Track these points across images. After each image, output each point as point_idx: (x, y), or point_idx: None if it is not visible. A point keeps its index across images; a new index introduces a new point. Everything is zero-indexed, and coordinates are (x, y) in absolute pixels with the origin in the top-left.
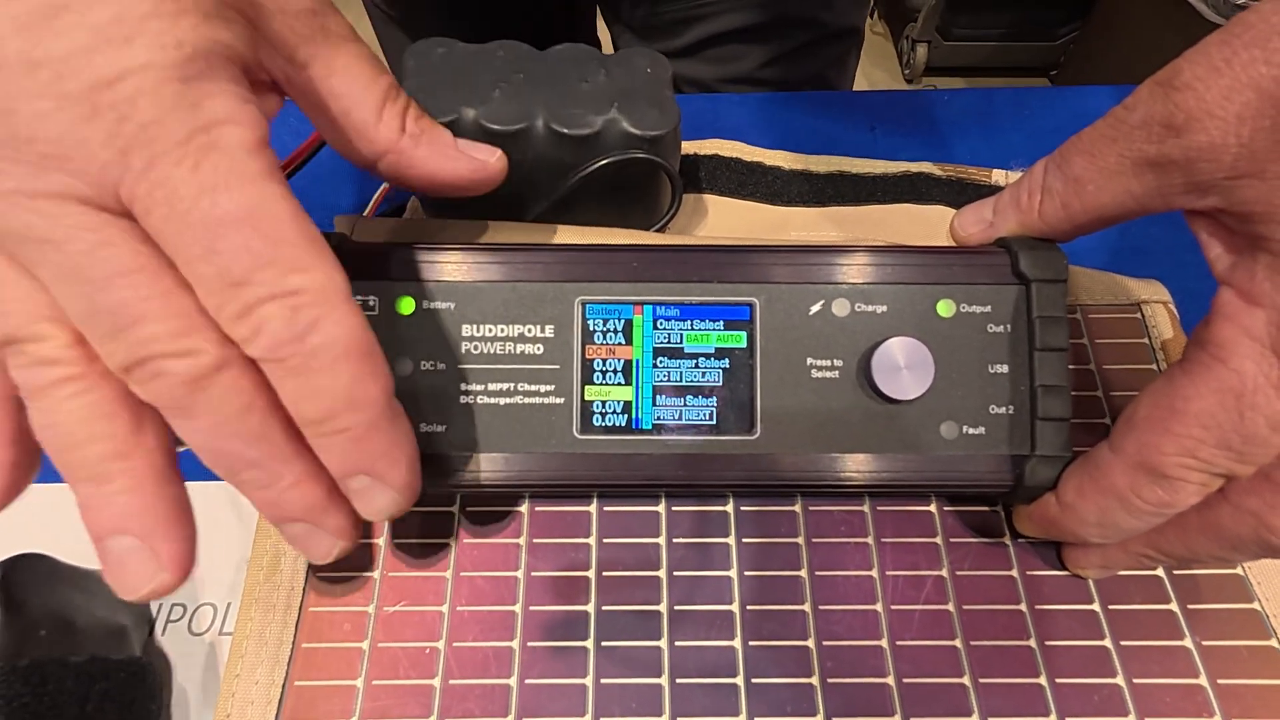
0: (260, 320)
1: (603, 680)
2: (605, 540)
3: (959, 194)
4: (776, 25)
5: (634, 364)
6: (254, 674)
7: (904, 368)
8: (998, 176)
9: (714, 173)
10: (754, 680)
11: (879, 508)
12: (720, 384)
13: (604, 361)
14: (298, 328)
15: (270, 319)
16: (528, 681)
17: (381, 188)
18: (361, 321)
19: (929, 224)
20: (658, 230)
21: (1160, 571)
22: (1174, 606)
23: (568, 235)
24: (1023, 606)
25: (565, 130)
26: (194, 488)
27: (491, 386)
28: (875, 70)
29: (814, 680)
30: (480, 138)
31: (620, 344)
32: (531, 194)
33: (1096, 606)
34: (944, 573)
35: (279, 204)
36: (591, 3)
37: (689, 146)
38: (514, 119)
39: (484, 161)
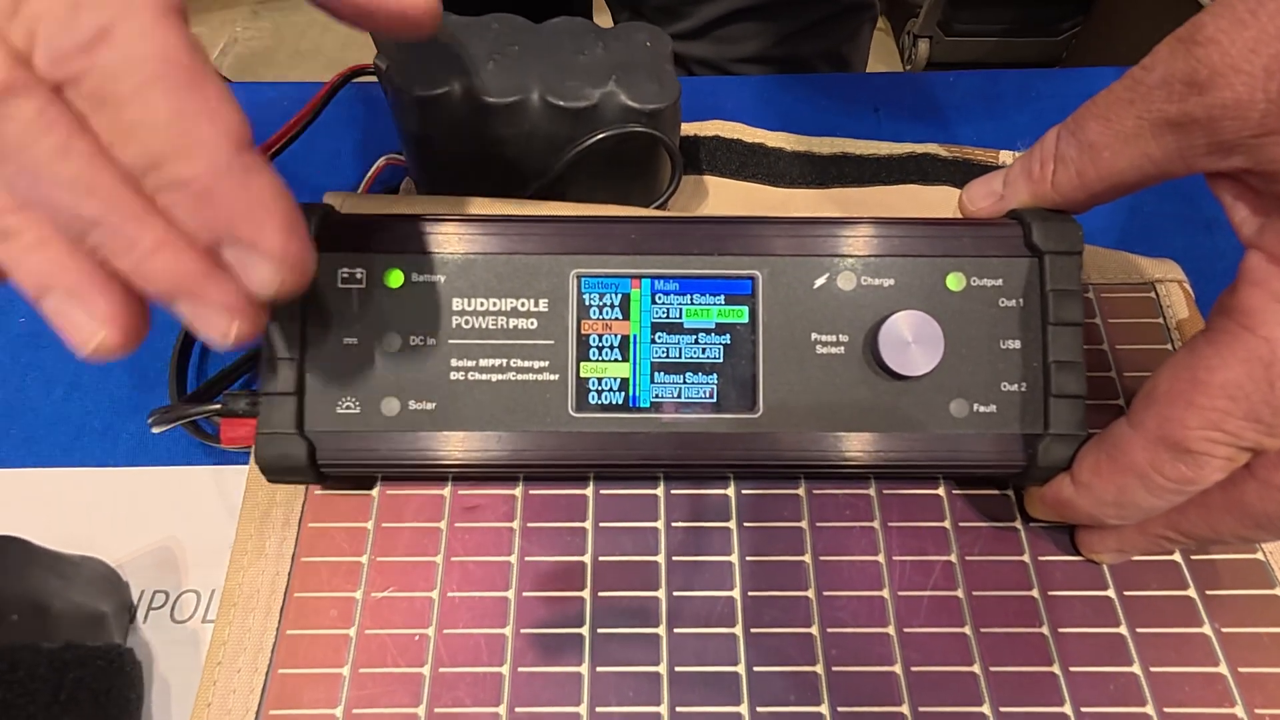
0: (32, 19)
1: (599, 669)
2: (602, 524)
3: (965, 174)
4: (787, 3)
5: (631, 340)
6: (236, 662)
7: (912, 343)
8: (1005, 157)
9: (714, 154)
10: (756, 669)
11: (885, 491)
12: (721, 360)
13: (600, 337)
14: (80, 33)
15: (42, 17)
16: (520, 670)
17: (374, 167)
18: (184, 41)
19: (933, 207)
20: (657, 209)
21: (1177, 556)
22: (1192, 592)
23: (564, 210)
24: (1035, 593)
25: (562, 103)
26: (176, 472)
27: (483, 362)
28: (877, 65)
29: (818, 669)
30: (474, 110)
31: (617, 319)
32: (527, 169)
33: (1111, 592)
34: (953, 558)
35: (182, 52)
36: None
37: (689, 128)
38: (508, 91)
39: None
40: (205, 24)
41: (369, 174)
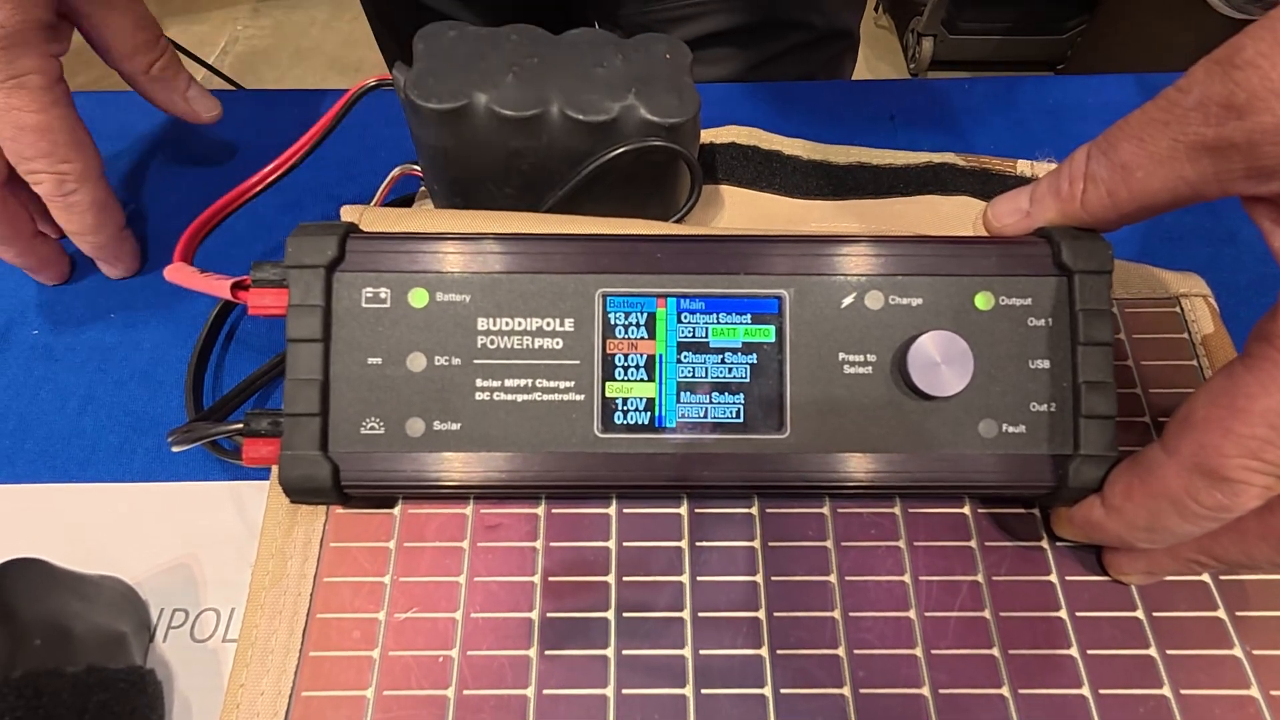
0: (39, 180)
1: (624, 691)
2: (625, 544)
3: (983, 185)
4: (765, 27)
5: (657, 359)
6: (259, 684)
7: (941, 363)
8: (1022, 167)
9: (731, 163)
10: (782, 691)
11: (910, 510)
12: (748, 380)
13: (626, 357)
14: (63, 190)
15: (45, 182)
16: (545, 692)
17: (389, 177)
18: (103, 190)
19: (952, 217)
20: (675, 222)
21: (1206, 577)
22: (1222, 613)
23: (585, 226)
24: (1063, 613)
25: (580, 117)
26: (193, 488)
27: (508, 382)
28: (880, 64)
29: (845, 691)
30: (492, 123)
31: (643, 338)
32: (545, 183)
33: (1140, 613)
34: (980, 578)
35: (61, 121)
36: (583, 4)
37: (704, 135)
38: (527, 105)
39: (198, 113)
40: (206, 22)
41: (384, 185)
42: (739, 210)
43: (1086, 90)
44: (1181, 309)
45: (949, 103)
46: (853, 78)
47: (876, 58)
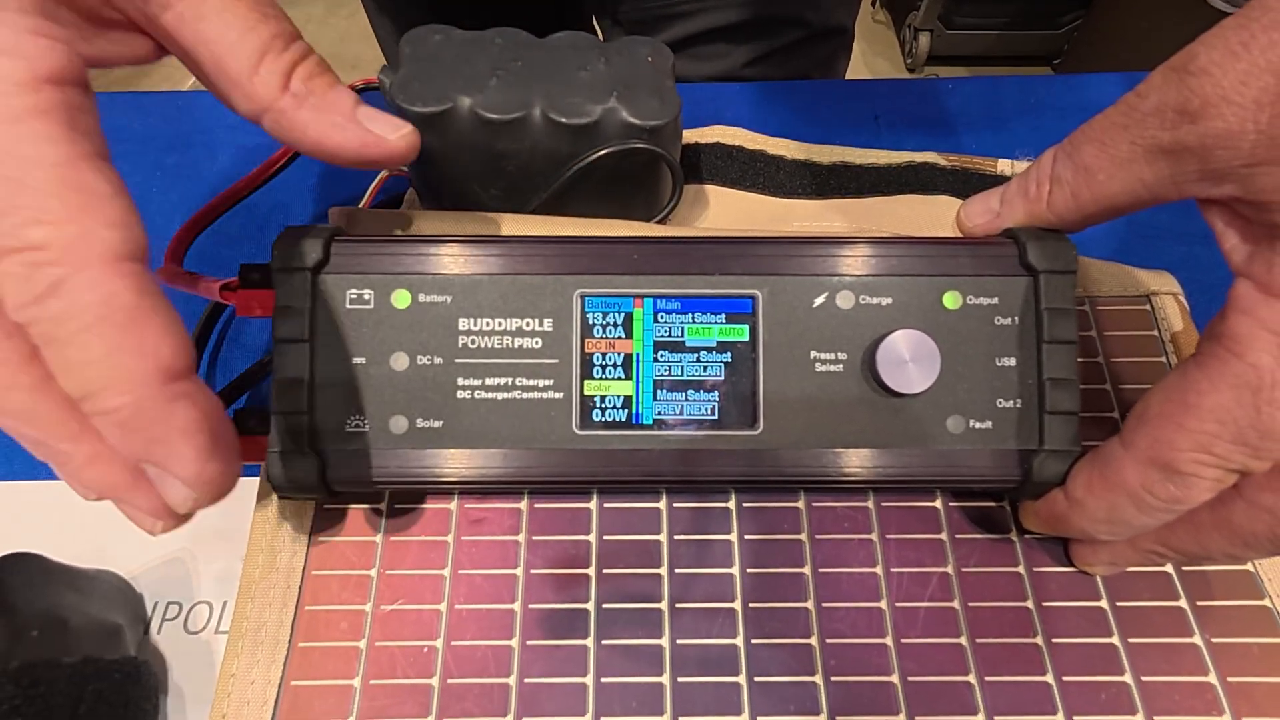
0: (2, 275)
1: (603, 679)
2: (605, 537)
3: (964, 184)
4: (760, 23)
5: (634, 358)
6: (250, 674)
7: (910, 361)
8: (1004, 166)
9: (715, 162)
10: (756, 679)
11: (883, 503)
12: (722, 378)
13: (604, 356)
14: (36, 288)
15: (5, 275)
16: (527, 681)
17: (377, 178)
18: (128, 286)
19: (933, 216)
20: (658, 222)
21: (1169, 568)
22: (1183, 603)
23: (566, 227)
24: (1029, 603)
25: (563, 119)
26: None
27: (489, 381)
28: (877, 59)
29: (817, 679)
30: (476, 126)
31: (620, 338)
32: (529, 185)
33: (1104, 603)
34: (949, 569)
35: (34, 146)
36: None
37: (689, 135)
38: (511, 107)
39: (380, 137)
40: None
41: (372, 186)
42: (723, 209)
43: (1071, 90)
44: (1152, 306)
45: (934, 102)
46: (848, 74)
47: (874, 53)
